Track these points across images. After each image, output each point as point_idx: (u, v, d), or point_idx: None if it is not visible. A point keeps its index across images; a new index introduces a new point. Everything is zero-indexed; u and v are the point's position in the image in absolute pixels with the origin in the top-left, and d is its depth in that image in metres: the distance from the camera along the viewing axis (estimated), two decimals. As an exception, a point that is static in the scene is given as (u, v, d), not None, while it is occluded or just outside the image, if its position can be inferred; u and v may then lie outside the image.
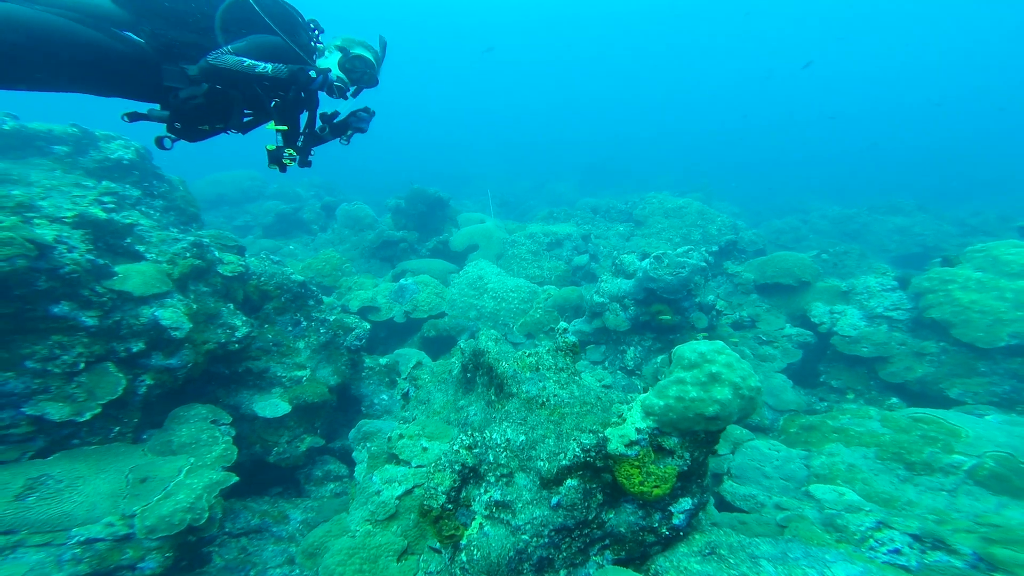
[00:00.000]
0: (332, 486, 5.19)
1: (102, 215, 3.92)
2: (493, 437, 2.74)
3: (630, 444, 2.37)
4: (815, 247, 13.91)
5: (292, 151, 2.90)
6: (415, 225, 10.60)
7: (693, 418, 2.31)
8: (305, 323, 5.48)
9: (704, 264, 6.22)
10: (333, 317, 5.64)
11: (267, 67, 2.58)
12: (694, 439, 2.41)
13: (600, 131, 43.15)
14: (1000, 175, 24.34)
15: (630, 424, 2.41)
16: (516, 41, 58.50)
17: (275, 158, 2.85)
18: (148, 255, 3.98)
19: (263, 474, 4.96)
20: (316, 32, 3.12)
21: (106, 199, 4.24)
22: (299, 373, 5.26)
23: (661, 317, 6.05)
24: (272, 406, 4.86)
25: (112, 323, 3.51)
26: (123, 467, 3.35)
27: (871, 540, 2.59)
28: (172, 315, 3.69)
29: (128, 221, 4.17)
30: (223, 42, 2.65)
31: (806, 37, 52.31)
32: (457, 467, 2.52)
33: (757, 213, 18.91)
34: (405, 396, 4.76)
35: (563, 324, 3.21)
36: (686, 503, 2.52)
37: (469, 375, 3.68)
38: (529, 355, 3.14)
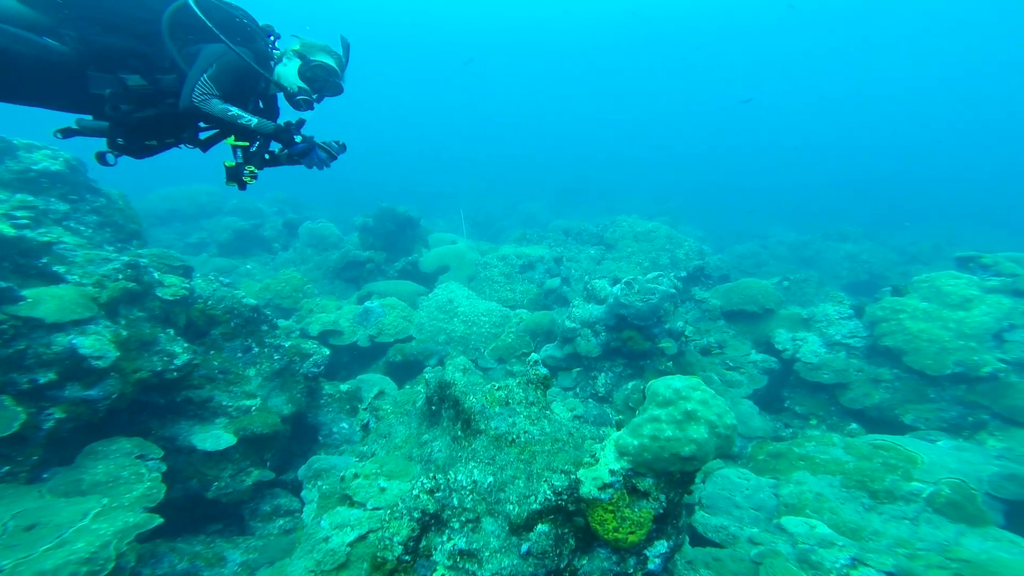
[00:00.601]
0: (281, 522, 4.77)
1: (10, 231, 3.53)
2: (458, 479, 2.54)
3: (603, 487, 2.23)
4: (775, 272, 14.52)
5: (253, 168, 2.70)
6: (383, 245, 10.33)
7: (668, 458, 2.21)
8: (257, 349, 5.12)
9: (674, 291, 6.29)
10: (289, 343, 5.31)
11: (251, 120, 2.44)
12: (669, 480, 2.30)
13: (572, 151, 44.21)
14: (930, 204, 26.49)
15: (603, 465, 2.28)
16: (491, 60, 59.88)
17: (234, 175, 2.64)
18: (70, 277, 3.60)
19: (202, 510, 4.53)
20: (272, 39, 2.97)
21: (19, 213, 3.84)
22: (248, 402, 4.89)
23: (632, 345, 6.04)
24: (213, 438, 4.46)
25: (14, 352, 3.11)
26: (2, 513, 2.90)
27: (846, 579, 2.54)
28: (94, 343, 3.32)
29: (46, 239, 3.77)
30: (172, 50, 2.47)
31: (764, 70, 56.13)
32: (416, 514, 2.30)
33: (721, 238, 19.65)
34: (365, 427, 4.47)
35: (534, 356, 3.09)
36: (661, 546, 2.39)
37: (434, 407, 3.48)
38: (499, 388, 2.98)
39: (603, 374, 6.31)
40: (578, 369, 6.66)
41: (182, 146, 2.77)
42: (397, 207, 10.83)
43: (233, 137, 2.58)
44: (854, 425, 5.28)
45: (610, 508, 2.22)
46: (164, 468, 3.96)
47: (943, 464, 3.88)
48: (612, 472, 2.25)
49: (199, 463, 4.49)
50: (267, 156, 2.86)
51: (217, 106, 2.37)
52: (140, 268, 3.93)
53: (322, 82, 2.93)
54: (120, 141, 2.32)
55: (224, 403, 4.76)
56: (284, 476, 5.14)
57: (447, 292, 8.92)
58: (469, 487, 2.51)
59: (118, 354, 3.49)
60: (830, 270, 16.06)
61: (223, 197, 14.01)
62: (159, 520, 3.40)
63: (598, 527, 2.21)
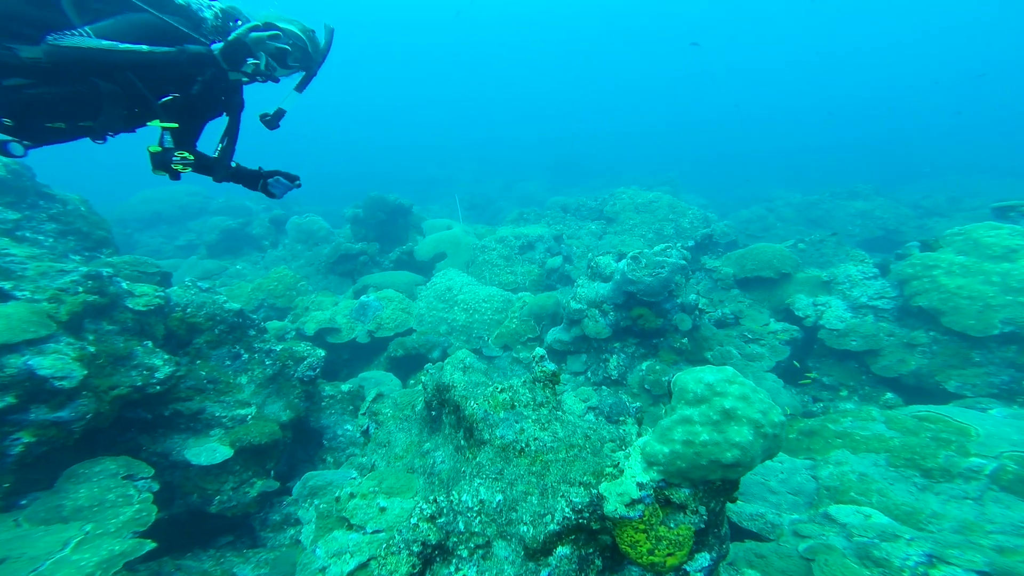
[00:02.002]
0: (292, 531, 4.54)
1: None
2: (463, 499, 2.21)
3: (632, 503, 1.89)
4: (783, 235, 13.99)
5: (186, 153, 2.29)
6: (376, 235, 9.92)
7: (707, 466, 1.86)
8: (246, 355, 4.80)
9: (684, 262, 5.88)
10: (280, 347, 4.98)
11: (140, 48, 1.99)
12: (709, 488, 1.96)
13: (567, 127, 43.09)
14: (938, 159, 25.52)
15: (629, 478, 1.94)
16: (481, 39, 58.04)
17: (161, 162, 2.24)
18: (19, 293, 3.25)
19: (210, 523, 4.32)
20: (237, 22, 2.54)
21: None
22: (242, 411, 4.61)
23: (643, 323, 5.67)
24: (209, 451, 4.20)
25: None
26: (-33, 548, 2.63)
27: (920, 583, 2.21)
28: (55, 362, 3.00)
29: (-15, 253, 3.41)
30: (78, 22, 2.04)
31: (761, 32, 54.11)
32: (416, 547, 1.98)
33: (723, 204, 19.05)
34: (365, 433, 4.18)
35: (539, 351, 2.72)
36: (703, 559, 2.06)
37: (434, 413, 3.14)
38: (502, 391, 2.62)
39: (615, 356, 5.96)
40: (587, 353, 6.31)
41: (109, 135, 2.36)
42: (387, 195, 10.37)
43: (159, 120, 2.18)
44: (889, 395, 4.92)
45: (641, 527, 1.88)
46: (156, 488, 3.70)
47: (1002, 435, 3.52)
48: (641, 486, 1.91)
49: (197, 478, 4.25)
50: (233, 166, 2.54)
51: (81, 41, 1.88)
52: (103, 279, 3.58)
53: (282, 52, 2.51)
54: (8, 122, 1.90)
55: (217, 414, 4.49)
56: (291, 483, 4.93)
57: (445, 280, 8.54)
58: (476, 508, 2.19)
59: (85, 372, 3.17)
60: (841, 229, 15.50)
61: (207, 197, 13.56)
62: (151, 545, 3.14)
63: (629, 550, 1.88)
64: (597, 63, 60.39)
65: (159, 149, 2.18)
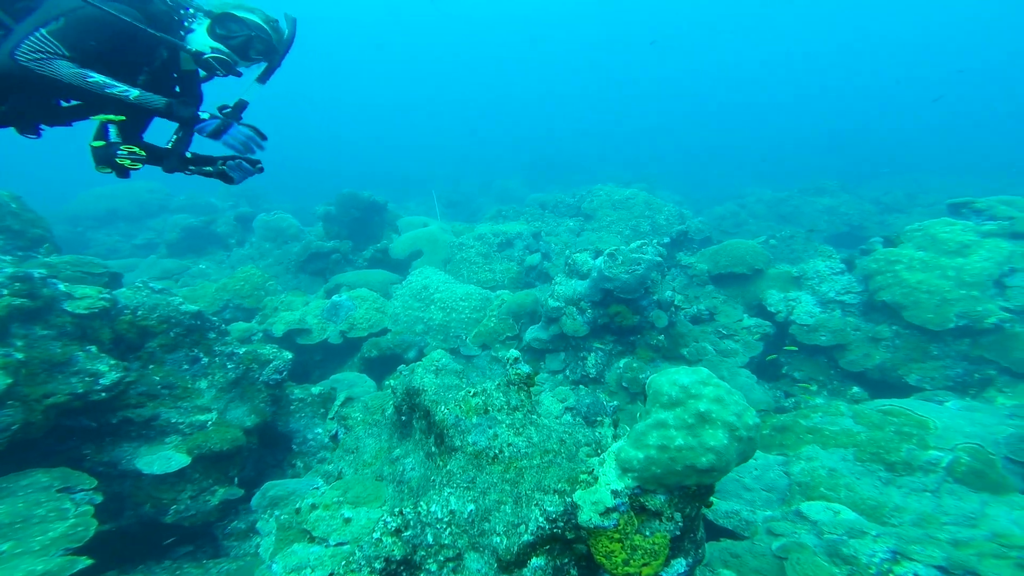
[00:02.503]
0: (258, 540, 4.35)
1: None
2: (432, 510, 2.11)
3: (606, 512, 1.83)
4: (755, 231, 14.33)
5: (135, 148, 2.09)
6: (349, 233, 9.63)
7: (682, 471, 1.81)
8: (206, 359, 4.55)
9: (659, 259, 5.90)
10: (244, 349, 4.75)
11: (128, 91, 1.88)
12: (684, 493, 1.91)
13: (546, 124, 43.11)
14: (895, 157, 26.64)
15: (604, 486, 1.87)
16: (460, 36, 57.34)
17: (104, 158, 2.05)
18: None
19: (168, 533, 4.10)
20: (188, 10, 2.37)
21: None
22: (202, 417, 4.38)
23: (620, 320, 5.66)
24: (162, 459, 3.97)
25: None
26: None
27: (888, 577, 2.24)
28: (-24, 374, 2.73)
29: None
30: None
31: (734, 30, 55.26)
32: (379, 564, 1.87)
33: (697, 201, 19.39)
34: (334, 438, 4.01)
35: (513, 352, 2.63)
36: (680, 565, 2.02)
37: (404, 418, 3.01)
38: (474, 395, 2.52)
39: (592, 354, 5.94)
40: (566, 351, 6.28)
41: (43, 127, 2.15)
42: (360, 192, 10.08)
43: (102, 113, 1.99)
44: (856, 389, 5.06)
45: (616, 536, 1.82)
46: (99, 499, 3.46)
47: (957, 428, 3.64)
48: (615, 493, 1.85)
49: (150, 487, 4.02)
50: (188, 155, 2.31)
51: (65, 69, 1.80)
52: (34, 280, 3.29)
53: (242, 39, 2.33)
54: None
55: (174, 420, 4.25)
56: (275, 480, 4.74)
57: (422, 278, 8.36)
58: (446, 519, 2.08)
59: (10, 380, 2.91)
60: (810, 224, 15.99)
61: (168, 194, 12.88)
62: (85, 562, 2.93)
63: (604, 560, 1.81)
64: (575, 61, 60.66)
65: (102, 144, 2.00)
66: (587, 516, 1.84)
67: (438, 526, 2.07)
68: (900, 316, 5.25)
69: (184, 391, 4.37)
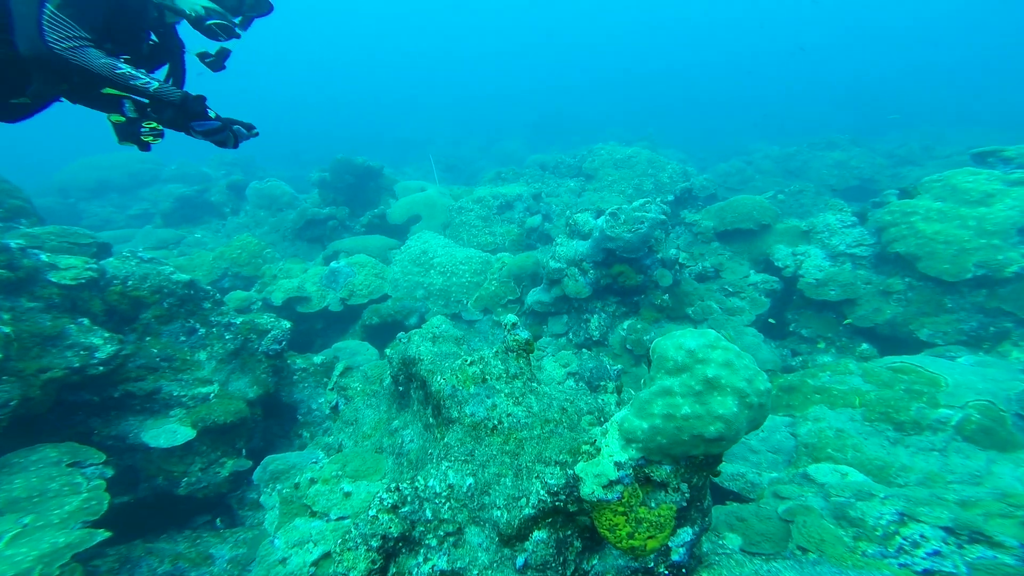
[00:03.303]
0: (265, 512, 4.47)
1: None
2: (430, 485, 2.05)
3: (609, 485, 1.75)
4: (762, 187, 13.86)
5: (154, 124, 2.02)
6: (345, 199, 9.36)
7: (689, 441, 1.71)
8: (203, 330, 4.48)
9: (663, 217, 5.66)
10: (240, 319, 4.67)
11: (150, 83, 1.89)
12: (691, 464, 1.83)
13: (547, 84, 41.25)
14: (910, 108, 25.32)
15: (607, 457, 1.78)
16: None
17: (128, 133, 2.01)
18: None
19: (186, 504, 4.20)
20: None
21: None
22: (204, 389, 4.38)
23: (623, 280, 5.51)
24: (168, 433, 3.99)
25: None
26: None
27: (898, 539, 2.20)
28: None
29: None
30: None
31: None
32: (376, 541, 1.82)
33: (702, 158, 18.72)
34: (334, 409, 3.99)
35: (511, 317, 2.50)
36: (686, 534, 1.98)
37: (401, 388, 2.94)
38: (471, 363, 2.42)
39: (595, 316, 5.84)
40: (568, 313, 6.18)
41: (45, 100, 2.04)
42: (354, 157, 9.71)
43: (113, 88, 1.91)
44: (865, 346, 4.95)
45: (620, 510, 1.75)
46: (109, 473, 3.49)
47: (968, 384, 3.54)
48: (619, 465, 1.76)
49: (160, 460, 4.07)
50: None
51: (96, 59, 1.77)
52: (11, 251, 3.16)
53: None
54: None
55: (176, 393, 4.25)
56: (275, 454, 4.82)
57: (420, 243, 8.17)
58: (444, 493, 2.03)
59: (1, 355, 2.84)
60: (818, 179, 15.45)
61: (159, 163, 12.47)
62: (104, 535, 2.99)
63: (608, 534, 1.75)
64: (576, 17, 57.18)
65: (123, 119, 1.95)
66: (589, 489, 1.77)
67: (437, 501, 2.02)
68: (914, 268, 5.05)
69: (184, 363, 4.33)
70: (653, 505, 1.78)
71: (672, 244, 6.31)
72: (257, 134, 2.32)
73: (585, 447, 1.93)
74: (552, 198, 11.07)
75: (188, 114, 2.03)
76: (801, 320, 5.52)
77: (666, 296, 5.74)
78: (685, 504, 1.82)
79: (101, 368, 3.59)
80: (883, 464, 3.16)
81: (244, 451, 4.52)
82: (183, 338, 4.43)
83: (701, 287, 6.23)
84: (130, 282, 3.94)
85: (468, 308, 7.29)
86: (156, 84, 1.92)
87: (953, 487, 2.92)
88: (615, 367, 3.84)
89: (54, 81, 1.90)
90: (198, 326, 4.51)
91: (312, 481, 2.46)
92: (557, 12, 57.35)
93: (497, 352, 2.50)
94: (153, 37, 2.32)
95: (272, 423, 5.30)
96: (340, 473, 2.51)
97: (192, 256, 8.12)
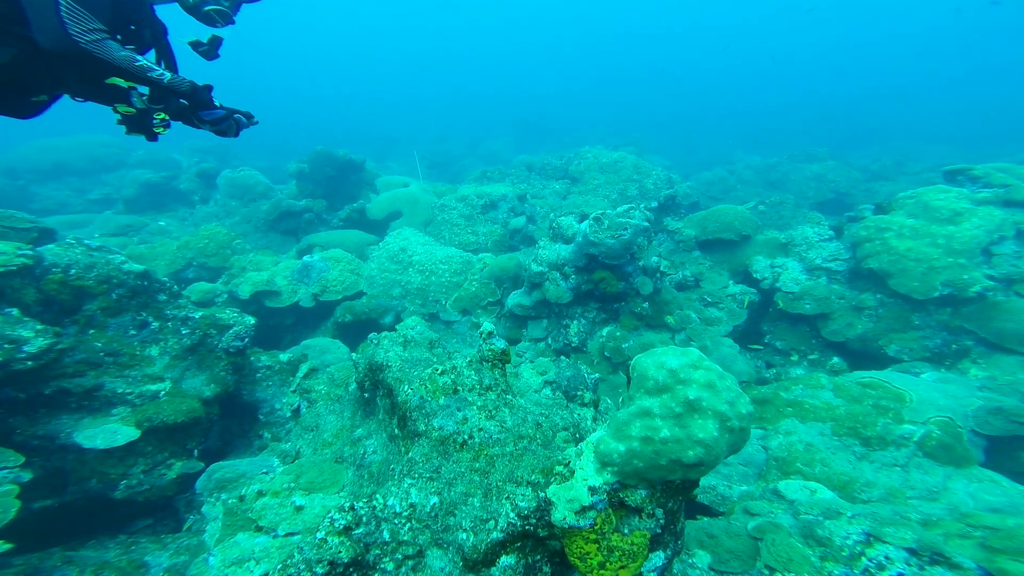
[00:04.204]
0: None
1: None
2: (389, 504, 1.90)
3: (582, 511, 1.64)
4: (743, 197, 14.12)
5: (164, 115, 2.02)
6: (324, 192, 9.06)
7: (667, 466, 1.62)
8: (157, 324, 4.20)
9: (647, 224, 5.62)
10: (200, 314, 4.40)
11: (163, 75, 1.86)
12: (667, 488, 1.74)
13: (535, 85, 41.30)
14: (884, 124, 26.29)
15: (580, 481, 1.68)
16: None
17: (139, 124, 2.00)
18: None
19: (126, 507, 3.91)
20: None
21: None
22: (154, 387, 4.11)
23: (604, 286, 5.44)
24: (107, 433, 3.71)
25: None
26: None
27: (864, 559, 2.17)
28: None
29: None
30: None
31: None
32: (321, 568, 1.66)
33: (686, 165, 18.98)
34: (296, 412, 3.78)
35: (487, 326, 2.38)
36: (658, 559, 1.89)
37: (367, 395, 2.77)
38: (443, 372, 2.28)
39: (575, 321, 5.76)
40: (548, 318, 6.09)
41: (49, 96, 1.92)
42: (335, 150, 9.40)
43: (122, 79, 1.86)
44: (836, 359, 5.02)
45: (592, 537, 1.65)
46: (26, 477, 3.22)
47: (931, 401, 3.61)
48: (592, 490, 1.65)
49: (95, 462, 3.78)
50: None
51: (116, 52, 1.74)
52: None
53: None
54: None
55: (121, 390, 3.96)
56: (224, 461, 4.55)
57: (400, 240, 7.96)
58: (405, 513, 1.89)
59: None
60: (797, 191, 15.84)
61: (125, 149, 11.82)
62: (4, 546, 2.73)
63: (578, 562, 1.65)
64: (567, 19, 57.40)
65: (133, 111, 1.93)
66: (561, 515, 1.65)
67: (396, 521, 1.87)
68: (886, 284, 5.15)
69: (132, 359, 4.05)
70: (626, 532, 1.68)
71: (654, 252, 6.29)
72: (256, 123, 2.28)
73: (559, 468, 1.81)
74: (537, 200, 10.99)
75: (197, 103, 1.99)
76: (776, 332, 5.57)
77: (646, 304, 5.71)
78: (660, 531, 1.73)
79: (29, 363, 3.30)
80: (849, 479, 3.17)
81: (196, 452, 4.27)
82: (133, 332, 4.13)
83: (681, 296, 6.23)
84: (73, 271, 3.64)
85: (447, 308, 7.12)
86: (169, 75, 1.89)
87: (912, 503, 2.95)
88: (593, 376, 3.76)
89: (85, 76, 1.85)
90: (151, 319, 4.22)
91: (260, 493, 2.28)
92: (549, 15, 57.48)
93: (471, 361, 2.37)
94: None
95: (231, 422, 5.04)
96: (293, 485, 2.33)
97: (154, 244, 7.69)
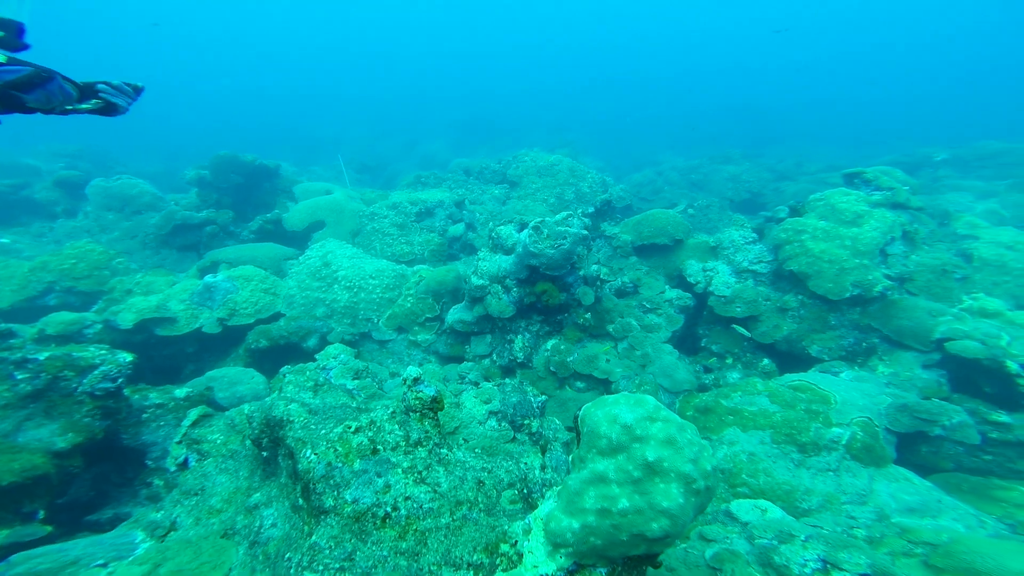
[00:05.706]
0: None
1: None
2: (287, 619, 1.47)
3: (531, 609, 1.33)
4: (671, 198, 14.79)
5: None
6: (232, 202, 8.03)
7: (628, 541, 1.36)
8: (-11, 372, 3.32)
9: (585, 232, 5.51)
10: (46, 354, 3.58)
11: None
12: (630, 563, 1.48)
13: (475, 85, 40.86)
14: (789, 126, 29.18)
15: (530, 568, 1.37)
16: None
17: None
18: None
19: None
20: None
21: None
22: (-37, 446, 3.24)
23: (547, 299, 5.24)
24: None
25: None
26: None
27: (822, 590, 2.09)
28: None
29: None
30: None
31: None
32: None
33: (618, 167, 19.62)
34: (183, 466, 3.13)
35: (412, 371, 2.00)
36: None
37: (266, 453, 2.28)
38: (357, 430, 1.88)
39: (520, 336, 5.50)
40: (492, 333, 5.78)
41: None
42: (242, 154, 8.39)
43: None
44: (766, 361, 5.22)
45: (544, 639, 1.34)
46: None
47: (852, 401, 3.79)
48: (543, 580, 1.36)
49: None
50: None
51: None
52: None
53: None
54: None
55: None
56: (95, 516, 3.83)
57: (322, 253, 7.24)
58: (308, 629, 1.47)
59: None
60: (718, 191, 16.86)
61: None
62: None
63: (527, 673, 1.34)
64: (510, 19, 57.63)
65: None
66: (505, 617, 1.34)
67: (297, 640, 1.45)
68: (805, 285, 5.45)
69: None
70: (585, 625, 1.40)
71: (593, 259, 6.21)
72: (142, 89, 1.94)
73: (504, 547, 1.50)
74: (476, 206, 10.65)
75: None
76: (711, 335, 5.69)
77: (588, 315, 5.59)
78: (622, 615, 1.47)
79: None
80: (791, 488, 3.19)
81: (42, 513, 3.47)
82: (-44, 383, 3.23)
83: (621, 303, 6.21)
84: None
85: (379, 327, 6.55)
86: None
87: (846, 508, 3.01)
88: (539, 399, 3.50)
89: None
90: (-19, 365, 3.34)
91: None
92: (492, 14, 57.34)
93: (394, 413, 1.99)
94: None
95: (109, 469, 4.25)
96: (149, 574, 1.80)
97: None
